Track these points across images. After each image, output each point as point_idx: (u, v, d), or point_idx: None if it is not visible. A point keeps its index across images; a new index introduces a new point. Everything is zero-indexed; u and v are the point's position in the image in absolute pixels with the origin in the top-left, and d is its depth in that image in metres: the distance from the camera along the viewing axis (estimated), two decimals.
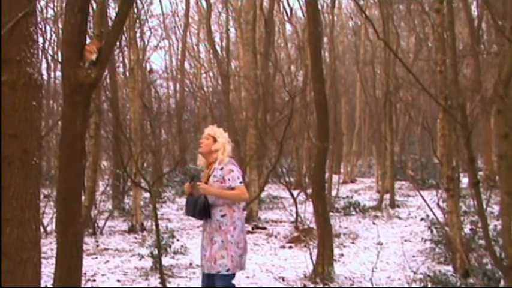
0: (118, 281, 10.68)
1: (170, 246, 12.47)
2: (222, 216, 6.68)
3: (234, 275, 6.78)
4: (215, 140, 6.91)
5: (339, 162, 35.68)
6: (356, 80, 38.46)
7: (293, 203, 18.20)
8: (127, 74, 22.34)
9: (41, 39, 20.56)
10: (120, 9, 6.05)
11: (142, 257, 11.77)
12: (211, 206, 6.75)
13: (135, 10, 17.88)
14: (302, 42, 27.34)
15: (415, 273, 9.70)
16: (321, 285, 9.94)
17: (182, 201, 24.78)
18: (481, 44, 23.69)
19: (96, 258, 12.90)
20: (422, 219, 14.91)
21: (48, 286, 8.37)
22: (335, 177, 26.25)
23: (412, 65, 26.45)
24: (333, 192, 22.94)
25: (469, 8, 23.53)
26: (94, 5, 14.21)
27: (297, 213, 17.32)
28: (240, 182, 6.81)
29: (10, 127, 4.50)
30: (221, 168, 6.79)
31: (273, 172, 19.09)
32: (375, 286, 9.17)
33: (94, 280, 10.70)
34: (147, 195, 18.50)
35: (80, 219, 5.88)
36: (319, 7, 15.09)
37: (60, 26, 22.40)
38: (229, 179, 6.72)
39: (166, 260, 11.60)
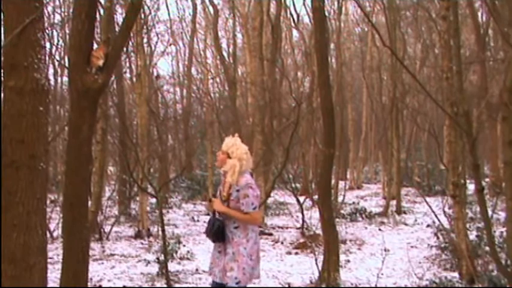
0: (124, 286, 10.70)
1: (176, 252, 12.49)
2: (235, 228, 6.58)
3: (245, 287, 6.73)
4: (229, 157, 6.79)
5: (346, 168, 35.67)
6: (362, 86, 38.46)
7: (299, 209, 18.22)
8: (134, 79, 22.37)
9: (48, 45, 20.63)
10: (127, 15, 6.07)
11: (149, 262, 11.77)
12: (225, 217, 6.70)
13: (142, 16, 17.91)
14: (309, 49, 27.38)
15: (420, 279, 9.71)
16: None
17: (188, 207, 24.84)
18: (488, 50, 23.66)
19: (103, 263, 12.92)
20: (428, 225, 14.91)
21: None
22: (341, 184, 26.23)
23: (419, 72, 26.50)
24: (339, 199, 22.96)
25: (476, 14, 23.52)
26: (101, 11, 14.27)
27: (303, 219, 17.33)
28: (254, 208, 6.70)
29: (17, 132, 4.52)
30: (237, 190, 6.69)
31: (279, 178, 19.10)
32: None
33: (100, 285, 10.72)
34: (154, 200, 18.52)
35: (86, 225, 5.89)
36: (326, 13, 15.12)
37: (67, 31, 22.48)
38: (243, 204, 6.59)
39: (172, 266, 11.61)
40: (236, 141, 6.82)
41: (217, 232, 6.61)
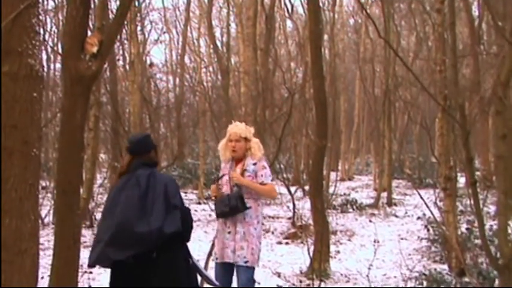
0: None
1: None
2: (248, 208, 6.72)
3: (254, 268, 6.83)
4: (246, 140, 6.90)
5: (337, 159, 35.66)
6: (355, 78, 38.47)
7: (290, 200, 18.23)
8: (127, 67, 22.37)
9: (41, 31, 20.54)
10: (122, 3, 6.05)
11: None
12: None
13: (136, 3, 17.87)
14: (302, 39, 27.39)
15: (410, 271, 9.73)
16: (317, 282, 9.95)
17: None
18: (481, 44, 23.66)
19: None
20: (419, 217, 14.96)
21: (45, 277, 8.39)
22: (333, 175, 26.27)
23: (412, 64, 26.52)
24: (331, 190, 22.98)
25: (470, 8, 23.51)
26: None
27: (294, 209, 17.34)
28: (272, 180, 6.88)
29: (11, 118, 4.50)
30: (254, 164, 6.81)
31: (271, 168, 19.09)
32: (370, 283, 9.19)
33: (91, 272, 10.70)
34: None
35: (77, 211, 5.89)
36: (320, 4, 15.10)
37: (60, 17, 22.41)
38: (262, 175, 6.77)
39: None
40: (242, 124, 7.00)
41: (239, 199, 6.66)
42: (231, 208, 6.67)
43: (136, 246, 5.26)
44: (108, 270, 10.60)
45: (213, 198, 7.07)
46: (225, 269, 6.81)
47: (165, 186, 5.41)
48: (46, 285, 6.31)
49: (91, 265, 5.56)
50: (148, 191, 5.40)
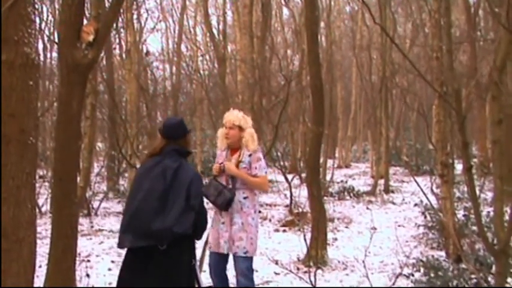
0: (112, 261, 10.72)
1: None
2: (245, 198, 6.70)
3: (252, 257, 6.84)
4: (241, 129, 6.87)
5: (334, 147, 35.73)
6: (352, 65, 38.39)
7: (287, 187, 18.24)
8: (123, 55, 22.31)
9: (37, 20, 20.45)
10: None
11: None
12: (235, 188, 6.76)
13: None
14: (299, 27, 27.34)
15: (407, 258, 9.75)
16: (314, 269, 9.98)
17: None
18: (478, 31, 23.65)
19: (91, 239, 12.94)
20: (416, 204, 14.97)
21: (43, 266, 8.40)
22: (330, 162, 26.29)
23: (409, 51, 26.45)
24: (328, 177, 23.01)
25: None
26: None
27: (291, 197, 17.36)
28: (265, 173, 6.86)
29: (7, 107, 4.50)
30: (250, 155, 6.79)
31: (268, 156, 19.11)
32: (367, 270, 9.22)
33: (88, 261, 10.74)
34: None
35: (75, 200, 5.91)
36: None
37: (56, 6, 22.34)
38: (256, 167, 6.73)
39: None
40: (240, 113, 6.96)
41: (221, 203, 6.64)
42: (213, 202, 6.67)
43: (150, 240, 5.38)
44: (106, 259, 10.67)
45: (213, 176, 7.03)
46: (219, 258, 6.81)
47: (189, 184, 5.46)
48: (44, 274, 6.32)
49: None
50: (173, 186, 5.45)
